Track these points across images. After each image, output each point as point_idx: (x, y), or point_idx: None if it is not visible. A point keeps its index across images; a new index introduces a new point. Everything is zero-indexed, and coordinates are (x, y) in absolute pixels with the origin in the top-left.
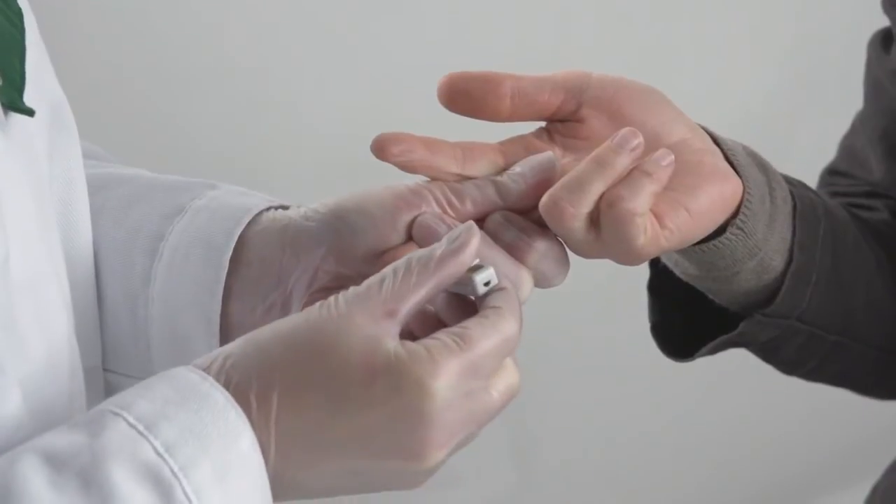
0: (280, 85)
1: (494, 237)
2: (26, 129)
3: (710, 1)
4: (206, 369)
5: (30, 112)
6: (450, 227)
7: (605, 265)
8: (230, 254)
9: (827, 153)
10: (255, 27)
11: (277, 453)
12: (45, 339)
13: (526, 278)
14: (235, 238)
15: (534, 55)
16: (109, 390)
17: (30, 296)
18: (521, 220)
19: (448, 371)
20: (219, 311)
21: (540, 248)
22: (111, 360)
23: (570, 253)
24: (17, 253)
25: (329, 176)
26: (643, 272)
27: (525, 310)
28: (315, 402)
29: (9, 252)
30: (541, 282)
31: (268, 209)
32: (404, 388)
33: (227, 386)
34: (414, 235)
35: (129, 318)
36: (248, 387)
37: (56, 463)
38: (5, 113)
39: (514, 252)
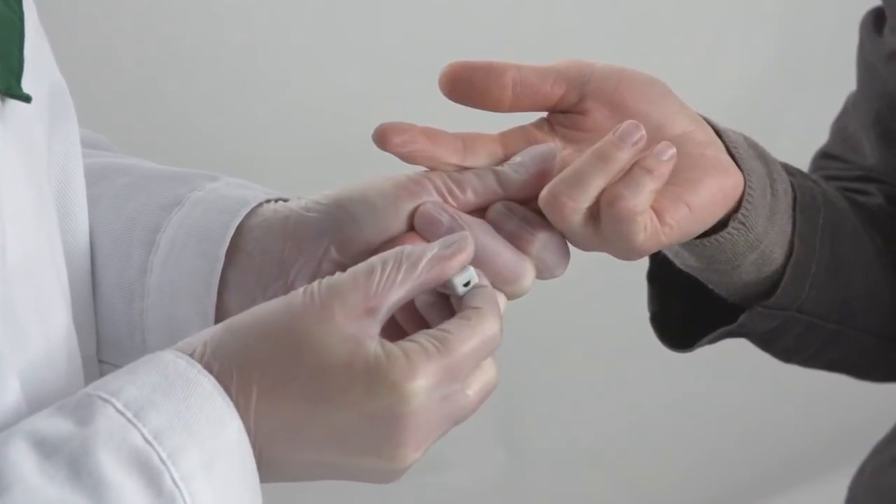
0: (278, 74)
1: (496, 227)
2: (24, 116)
3: None
4: (190, 356)
5: (27, 98)
6: (452, 217)
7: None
8: (226, 246)
9: (816, 136)
10: (254, 16)
11: (255, 444)
12: (44, 327)
13: (528, 268)
14: (232, 230)
15: (523, 39)
16: None
17: (27, 284)
18: (522, 210)
19: (425, 375)
20: (214, 304)
21: (542, 239)
22: (106, 350)
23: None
24: (13, 240)
25: (327, 165)
26: (637, 261)
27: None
28: (293, 404)
29: (6, 240)
30: (542, 272)
31: (268, 201)
32: (382, 391)
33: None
34: (416, 224)
35: (125, 310)
36: (229, 380)
37: (46, 449)
38: (2, 99)
39: (517, 242)
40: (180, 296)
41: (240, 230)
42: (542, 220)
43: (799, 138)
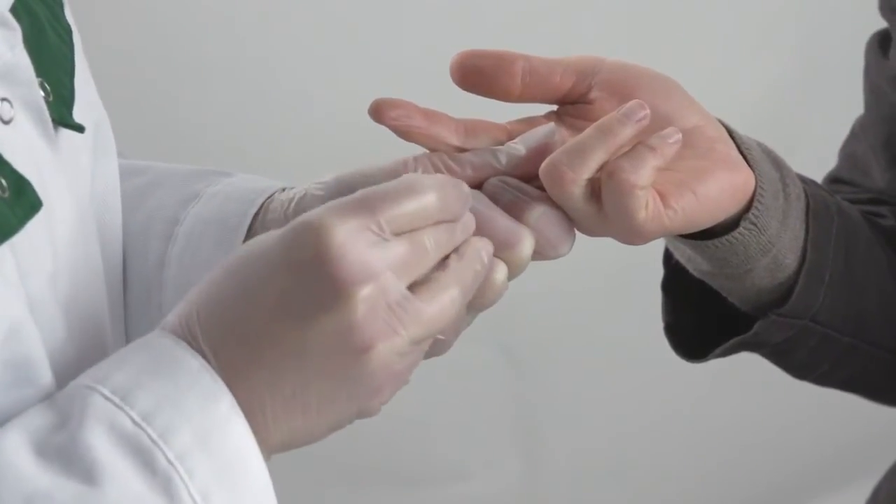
0: (290, 76)
1: (493, 198)
2: (73, 145)
3: None
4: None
5: (80, 128)
6: None
7: (616, 260)
8: (243, 235)
9: (833, 149)
10: (264, 18)
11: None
12: (91, 354)
13: (525, 234)
14: (249, 218)
15: (540, 48)
16: None
17: (75, 311)
18: (519, 182)
19: (334, 210)
20: None
21: (539, 208)
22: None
23: (581, 251)
24: (63, 269)
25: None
26: (652, 268)
27: (535, 304)
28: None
29: (58, 269)
30: (544, 247)
31: (282, 190)
32: (297, 238)
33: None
34: None
35: (144, 304)
36: (207, 348)
37: (38, 440)
38: (56, 129)
39: (513, 211)
40: (197, 283)
41: (254, 220)
42: (542, 194)
43: (818, 151)
